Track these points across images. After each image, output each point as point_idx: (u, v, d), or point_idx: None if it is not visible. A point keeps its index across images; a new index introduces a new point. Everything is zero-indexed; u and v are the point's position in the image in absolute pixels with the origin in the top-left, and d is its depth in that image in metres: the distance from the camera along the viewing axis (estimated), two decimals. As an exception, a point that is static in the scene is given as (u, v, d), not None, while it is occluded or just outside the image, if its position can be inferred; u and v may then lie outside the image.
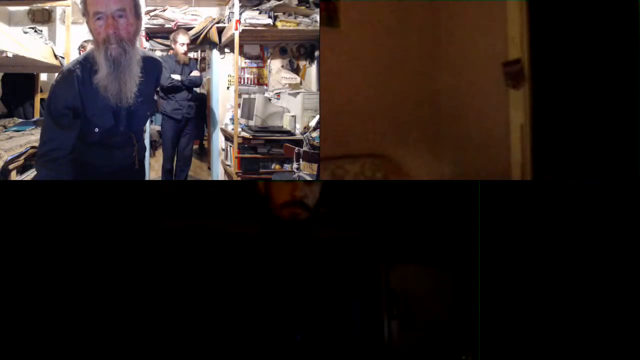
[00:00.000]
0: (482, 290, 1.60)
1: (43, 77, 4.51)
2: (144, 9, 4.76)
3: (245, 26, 4.35)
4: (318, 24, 3.89)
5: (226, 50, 5.20)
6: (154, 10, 4.86)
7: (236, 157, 4.31)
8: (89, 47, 4.04)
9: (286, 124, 4.44)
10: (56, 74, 1.95)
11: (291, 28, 4.49)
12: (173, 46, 4.58)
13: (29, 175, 3.11)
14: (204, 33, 4.89)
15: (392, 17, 2.13)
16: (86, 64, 1.77)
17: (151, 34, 4.93)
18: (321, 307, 1.45)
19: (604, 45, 1.86)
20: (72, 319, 1.55)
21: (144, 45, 4.84)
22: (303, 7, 4.51)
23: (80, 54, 3.92)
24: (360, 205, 1.66)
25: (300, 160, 3.19)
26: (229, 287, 1.43)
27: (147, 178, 4.39)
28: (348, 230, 1.60)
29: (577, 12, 1.89)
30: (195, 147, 7.45)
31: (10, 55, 2.62)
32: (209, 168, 5.93)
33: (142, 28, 4.78)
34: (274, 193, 1.44)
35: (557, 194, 1.62)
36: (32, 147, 3.12)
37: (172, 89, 4.51)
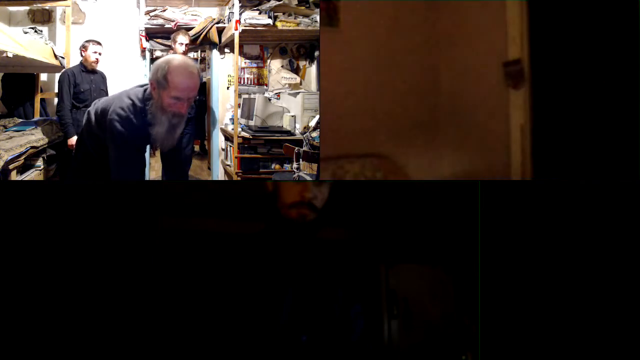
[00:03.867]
0: (482, 290, 1.60)
1: (43, 77, 4.51)
2: (143, 9, 4.77)
3: (245, 26, 4.36)
4: (318, 24, 3.89)
5: (226, 50, 5.20)
6: (154, 10, 4.86)
7: (236, 157, 4.31)
8: (90, 46, 4.04)
9: (286, 124, 4.44)
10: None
11: (291, 28, 4.49)
12: (173, 46, 4.59)
13: (29, 175, 3.11)
14: (204, 33, 4.90)
15: (392, 17, 2.13)
16: (140, 112, 2.05)
17: (151, 34, 4.93)
18: (321, 307, 1.45)
19: (604, 45, 1.86)
20: (72, 319, 1.55)
21: (143, 45, 4.84)
22: (303, 7, 4.51)
23: (81, 54, 3.94)
24: (360, 205, 1.66)
25: (300, 160, 3.19)
26: (230, 287, 1.43)
27: (147, 178, 4.39)
28: (348, 230, 1.60)
29: (577, 12, 1.89)
30: (196, 147, 7.45)
31: (10, 55, 2.62)
32: (209, 168, 5.93)
33: (142, 28, 4.80)
34: (282, 193, 1.44)
35: (557, 194, 1.62)
36: (32, 147, 3.12)
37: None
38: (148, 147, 4.15)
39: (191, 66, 2.00)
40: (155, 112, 2.00)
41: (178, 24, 4.86)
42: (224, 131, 5.08)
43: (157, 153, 6.83)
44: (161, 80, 1.95)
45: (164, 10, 4.87)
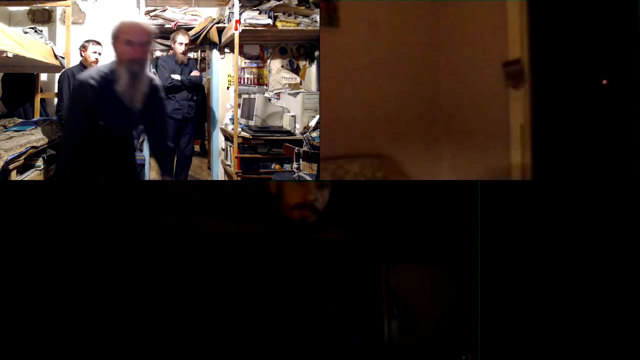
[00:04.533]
0: (482, 290, 1.60)
1: (43, 77, 4.51)
2: (143, 9, 4.77)
3: (245, 26, 4.35)
4: (318, 24, 3.89)
5: (226, 50, 5.19)
6: (154, 10, 4.86)
7: (236, 157, 4.31)
8: (90, 46, 4.07)
9: (286, 124, 4.44)
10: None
11: (291, 28, 4.49)
12: (172, 46, 4.58)
13: (29, 175, 3.11)
14: (204, 33, 4.89)
15: (392, 17, 2.13)
16: (105, 75, 2.22)
17: (151, 34, 4.92)
18: (321, 307, 1.45)
19: (604, 45, 1.86)
20: (72, 319, 1.55)
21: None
22: (303, 7, 4.51)
23: (81, 54, 3.93)
24: (360, 205, 1.66)
25: (300, 160, 3.18)
26: (229, 287, 1.43)
27: (147, 178, 4.40)
28: (348, 230, 1.60)
29: (577, 13, 1.89)
30: (196, 147, 7.44)
31: (10, 55, 2.62)
32: (209, 168, 5.93)
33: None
34: (285, 194, 1.45)
35: (557, 194, 1.62)
36: (32, 147, 3.12)
37: (173, 89, 4.51)
38: (147, 148, 4.14)
39: (141, 20, 2.25)
40: (116, 68, 2.18)
41: (178, 24, 4.86)
42: (224, 131, 5.08)
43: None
44: (115, 33, 2.16)
45: (164, 10, 4.87)
